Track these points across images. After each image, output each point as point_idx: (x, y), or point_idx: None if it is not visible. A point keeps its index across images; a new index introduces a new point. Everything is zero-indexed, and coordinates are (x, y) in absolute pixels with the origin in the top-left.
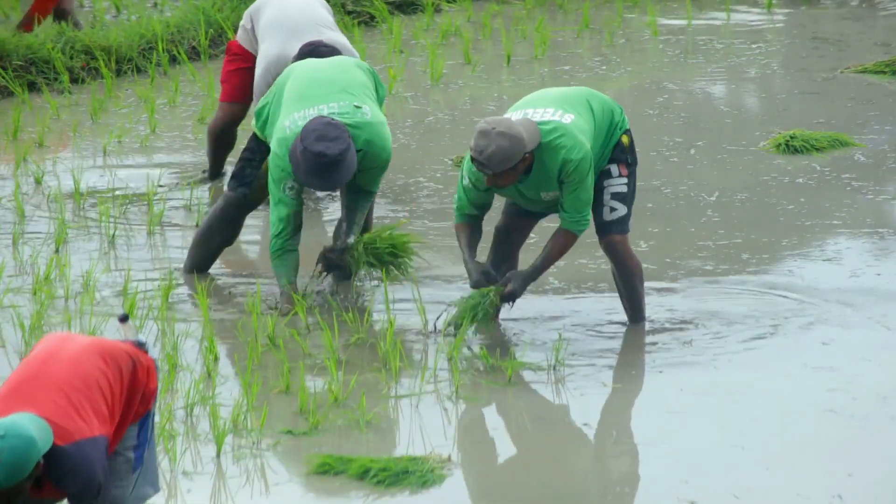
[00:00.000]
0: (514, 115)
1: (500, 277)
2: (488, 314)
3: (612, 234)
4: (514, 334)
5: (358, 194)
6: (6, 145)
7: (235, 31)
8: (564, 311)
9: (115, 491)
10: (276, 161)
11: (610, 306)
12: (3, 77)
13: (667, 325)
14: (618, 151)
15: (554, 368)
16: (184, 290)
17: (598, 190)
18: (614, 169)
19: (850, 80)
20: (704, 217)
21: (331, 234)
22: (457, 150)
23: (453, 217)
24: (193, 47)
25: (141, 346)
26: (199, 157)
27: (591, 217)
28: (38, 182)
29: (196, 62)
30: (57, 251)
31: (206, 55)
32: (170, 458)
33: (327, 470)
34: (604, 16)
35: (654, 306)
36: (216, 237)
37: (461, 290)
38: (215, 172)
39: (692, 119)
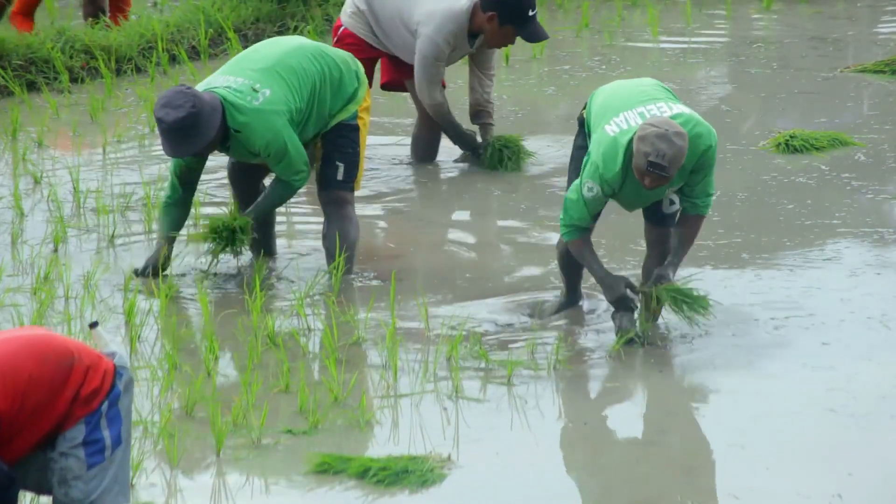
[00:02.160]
0: (628, 115)
1: (636, 286)
2: (703, 300)
3: (667, 226)
4: (514, 334)
5: (275, 183)
6: (5, 145)
7: (235, 30)
8: (565, 310)
9: (71, 492)
10: None
11: (609, 306)
12: (3, 76)
13: (667, 325)
14: None
15: (554, 368)
16: (184, 290)
17: None
18: None
19: (850, 80)
20: None
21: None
22: (456, 150)
23: (561, 238)
24: (193, 47)
25: (111, 355)
26: None
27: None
28: (37, 181)
29: (196, 62)
30: (56, 251)
31: (206, 55)
32: (170, 457)
33: (327, 469)
34: (603, 15)
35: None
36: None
37: (461, 289)
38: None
39: None
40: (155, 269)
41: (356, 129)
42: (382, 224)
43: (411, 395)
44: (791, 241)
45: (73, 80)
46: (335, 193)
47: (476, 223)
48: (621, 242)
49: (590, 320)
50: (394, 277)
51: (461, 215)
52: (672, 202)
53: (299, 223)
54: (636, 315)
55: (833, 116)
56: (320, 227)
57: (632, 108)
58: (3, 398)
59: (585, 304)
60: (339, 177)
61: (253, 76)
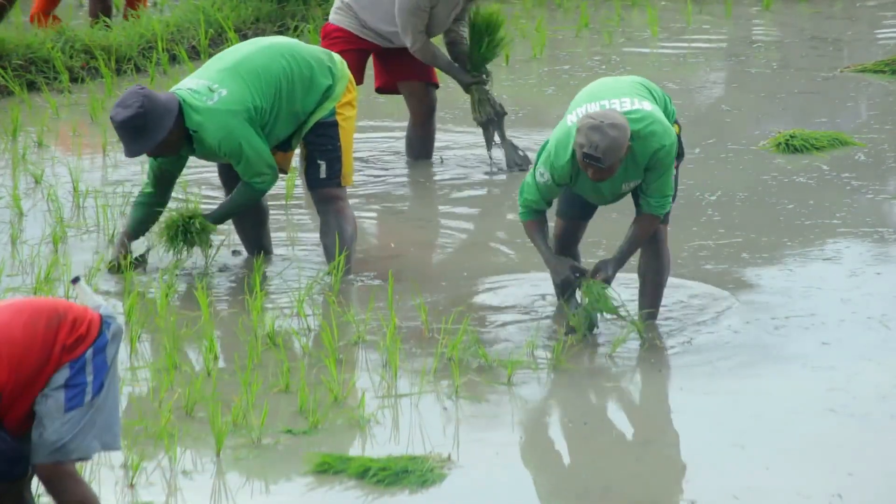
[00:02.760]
0: (590, 107)
1: (586, 270)
2: (609, 304)
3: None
4: (514, 334)
5: (240, 184)
6: (5, 145)
7: (236, 30)
8: (564, 311)
9: (45, 433)
10: None
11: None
12: (3, 76)
13: (667, 325)
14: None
15: (554, 368)
16: (184, 290)
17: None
18: None
19: (850, 80)
20: (705, 217)
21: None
22: (452, 150)
23: (517, 215)
24: (193, 47)
25: (96, 307)
26: None
27: (671, 203)
28: (37, 181)
29: (196, 61)
30: (56, 250)
31: (206, 54)
32: (170, 457)
33: (327, 469)
34: (603, 15)
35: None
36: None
37: (461, 288)
38: None
39: (692, 119)
40: (117, 266)
41: (334, 125)
42: (381, 224)
43: (411, 395)
44: (791, 241)
45: (73, 79)
46: (321, 192)
47: (475, 222)
48: (614, 243)
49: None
50: (391, 277)
51: (460, 214)
52: None
53: (299, 223)
54: (578, 301)
55: (833, 116)
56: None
57: (595, 101)
58: (3, 370)
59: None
60: (322, 174)
61: (213, 77)
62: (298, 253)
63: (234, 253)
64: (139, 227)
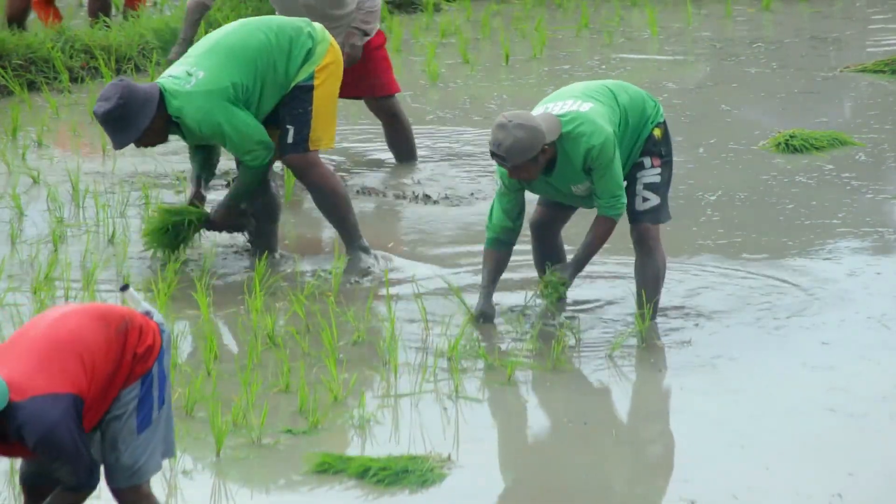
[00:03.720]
0: (537, 110)
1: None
2: (552, 297)
3: (643, 222)
4: (515, 334)
5: (239, 166)
6: (5, 144)
7: None
8: (564, 311)
9: (122, 458)
10: None
11: (609, 306)
12: (3, 76)
13: (666, 325)
14: (650, 144)
15: (554, 368)
16: (183, 289)
17: (631, 181)
18: (647, 161)
19: (850, 80)
20: (704, 216)
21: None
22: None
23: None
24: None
25: (147, 314)
26: None
27: (625, 202)
28: (36, 181)
29: None
30: (56, 250)
31: None
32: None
33: (327, 469)
34: (603, 15)
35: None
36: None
37: (461, 288)
38: None
39: (692, 118)
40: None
41: (310, 88)
42: (380, 224)
43: (411, 395)
44: (791, 241)
45: (73, 79)
46: (290, 159)
47: (475, 221)
48: (617, 244)
49: (589, 320)
50: (387, 277)
51: (459, 214)
52: (645, 199)
53: (299, 223)
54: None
55: (833, 116)
56: (321, 226)
57: (545, 104)
58: (84, 377)
59: (586, 305)
60: (290, 139)
61: (191, 61)
62: (299, 253)
63: (242, 251)
64: (200, 169)
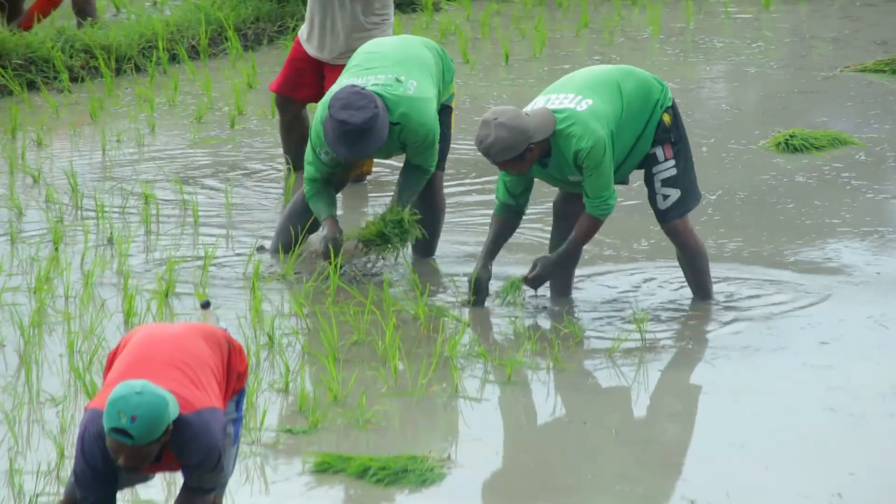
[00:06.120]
0: (540, 99)
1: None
2: (505, 296)
3: (671, 220)
4: (514, 333)
5: (410, 171)
6: (4, 144)
7: (235, 29)
8: (564, 310)
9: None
10: (316, 126)
11: (609, 305)
12: (3, 76)
13: (666, 325)
14: (660, 131)
15: (553, 368)
16: (183, 289)
17: (649, 178)
18: (659, 153)
19: (850, 79)
20: (705, 216)
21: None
22: (455, 148)
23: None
24: (193, 46)
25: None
26: (197, 155)
27: (614, 200)
28: (35, 181)
29: (196, 61)
30: (56, 250)
31: (206, 54)
32: None
33: (327, 468)
34: (603, 14)
35: (654, 305)
36: (302, 219)
37: (461, 287)
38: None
39: (692, 118)
40: (333, 246)
41: (450, 111)
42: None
43: (411, 394)
44: (791, 241)
45: (73, 79)
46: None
47: (474, 221)
48: (622, 241)
49: (589, 320)
50: (386, 280)
51: (458, 213)
52: (666, 196)
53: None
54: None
55: (833, 116)
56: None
57: (548, 94)
58: (220, 392)
59: (586, 305)
60: (428, 163)
61: (392, 70)
62: (298, 253)
63: (260, 249)
64: (331, 207)
